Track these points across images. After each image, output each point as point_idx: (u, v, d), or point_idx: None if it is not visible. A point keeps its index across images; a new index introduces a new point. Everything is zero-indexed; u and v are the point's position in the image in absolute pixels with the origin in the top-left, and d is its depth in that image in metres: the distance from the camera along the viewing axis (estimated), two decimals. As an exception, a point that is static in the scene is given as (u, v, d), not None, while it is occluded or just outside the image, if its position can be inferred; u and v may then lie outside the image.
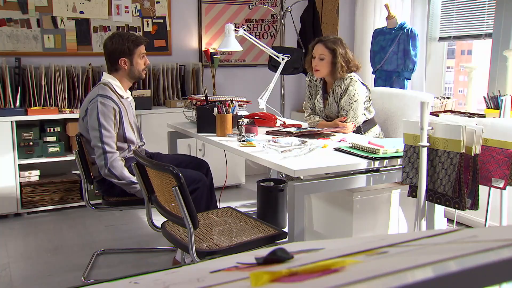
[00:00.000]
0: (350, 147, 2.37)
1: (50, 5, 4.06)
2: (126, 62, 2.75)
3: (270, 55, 3.65)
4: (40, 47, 4.08)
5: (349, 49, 3.08)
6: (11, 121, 3.62)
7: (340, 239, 0.87)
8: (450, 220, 3.28)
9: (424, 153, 1.93)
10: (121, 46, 2.72)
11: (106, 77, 2.78)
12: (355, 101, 2.96)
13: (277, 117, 3.27)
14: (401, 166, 2.18)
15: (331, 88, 3.07)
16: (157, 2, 4.48)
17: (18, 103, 3.82)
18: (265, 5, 4.85)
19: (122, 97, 2.77)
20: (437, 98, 3.71)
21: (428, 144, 1.93)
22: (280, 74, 3.50)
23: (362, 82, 3.04)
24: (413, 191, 2.08)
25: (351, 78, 2.99)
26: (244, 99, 3.37)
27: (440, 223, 2.51)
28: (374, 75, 4.27)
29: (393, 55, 4.00)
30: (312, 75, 3.16)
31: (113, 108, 2.64)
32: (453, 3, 4.03)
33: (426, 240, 0.61)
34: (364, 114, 3.05)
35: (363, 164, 2.18)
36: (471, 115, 3.32)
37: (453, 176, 1.82)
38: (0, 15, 3.91)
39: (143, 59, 2.81)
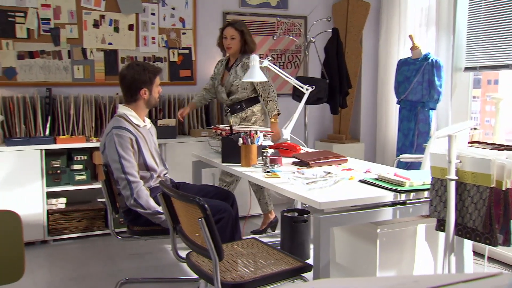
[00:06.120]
0: (376, 179, 2.35)
1: (80, 37, 4.20)
2: (146, 92, 2.80)
3: (294, 85, 3.68)
4: (70, 77, 4.20)
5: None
6: (41, 150, 3.71)
7: (370, 279, 0.86)
8: (480, 255, 3.19)
9: (452, 187, 1.90)
10: (143, 76, 2.77)
11: (121, 109, 2.83)
12: None
13: (301, 147, 3.27)
14: (428, 199, 2.15)
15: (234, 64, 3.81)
16: (183, 33, 4.58)
17: (47, 132, 3.91)
18: (289, 35, 4.91)
19: (138, 126, 2.81)
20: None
21: (456, 178, 1.90)
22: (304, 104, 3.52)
23: None
24: (441, 225, 2.04)
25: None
26: (268, 130, 3.38)
27: (469, 259, 2.44)
28: (398, 105, 4.25)
29: (418, 85, 3.99)
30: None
31: (130, 138, 2.68)
32: (479, 33, 4.02)
33: (463, 286, 0.59)
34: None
35: (389, 196, 2.15)
36: (499, 146, 3.27)
37: (483, 210, 1.79)
38: (35, 47, 4.06)
39: (158, 88, 2.88)
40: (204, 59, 4.71)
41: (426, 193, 2.21)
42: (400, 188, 2.18)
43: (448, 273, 1.85)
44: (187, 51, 4.62)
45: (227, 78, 3.80)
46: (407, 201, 2.22)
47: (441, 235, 2.42)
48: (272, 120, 3.76)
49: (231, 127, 3.16)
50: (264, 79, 3.37)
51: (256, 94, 3.80)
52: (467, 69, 4.16)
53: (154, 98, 2.85)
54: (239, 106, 3.79)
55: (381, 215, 2.17)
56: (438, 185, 2.01)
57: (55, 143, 3.78)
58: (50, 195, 3.81)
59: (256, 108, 3.82)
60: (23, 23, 4.01)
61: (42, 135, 3.88)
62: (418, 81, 3.99)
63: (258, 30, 4.88)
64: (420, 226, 2.48)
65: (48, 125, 3.92)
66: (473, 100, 4.29)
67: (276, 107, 3.74)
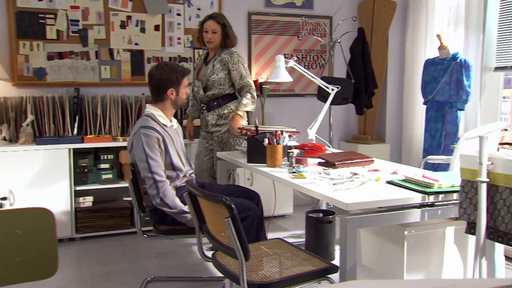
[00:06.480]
0: (403, 180, 2.32)
1: (108, 38, 4.26)
2: (173, 92, 2.84)
3: (319, 85, 3.66)
4: (97, 77, 4.26)
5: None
6: (69, 149, 3.77)
7: (402, 281, 0.84)
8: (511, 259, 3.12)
9: (483, 189, 1.86)
10: (171, 76, 2.81)
11: (149, 108, 2.86)
12: None
13: (326, 147, 3.25)
14: (457, 201, 2.11)
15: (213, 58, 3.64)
16: (209, 34, 4.60)
17: (75, 131, 3.98)
18: (314, 35, 4.89)
19: (165, 126, 2.83)
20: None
21: (487, 180, 1.86)
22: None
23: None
24: (471, 228, 2.00)
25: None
26: (294, 130, 3.37)
27: (501, 263, 2.38)
28: (425, 106, 4.19)
29: (446, 85, 3.92)
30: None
31: (157, 138, 2.71)
32: (510, 31, 3.93)
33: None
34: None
35: (417, 198, 2.12)
36: (531, 148, 3.19)
37: (516, 214, 1.75)
38: (64, 48, 4.14)
39: (185, 89, 2.91)
40: (229, 59, 4.72)
41: (455, 195, 2.17)
42: (428, 190, 2.14)
43: (485, 278, 1.81)
44: (212, 52, 4.63)
45: (204, 72, 3.63)
46: (436, 203, 2.19)
47: (471, 238, 2.37)
48: (240, 113, 3.56)
49: (256, 127, 3.16)
50: (290, 79, 3.36)
51: (233, 91, 3.66)
52: (497, 68, 4.07)
53: (181, 98, 2.88)
54: (215, 103, 3.63)
55: (409, 217, 2.14)
56: (468, 187, 1.97)
57: (82, 142, 3.84)
58: (77, 194, 3.88)
59: (234, 105, 3.65)
60: (53, 25, 4.09)
61: (70, 134, 3.96)
62: (445, 81, 3.92)
63: (283, 30, 4.87)
64: (449, 229, 2.43)
65: (76, 125, 3.99)
66: (503, 101, 4.19)
67: (253, 104, 3.59)
